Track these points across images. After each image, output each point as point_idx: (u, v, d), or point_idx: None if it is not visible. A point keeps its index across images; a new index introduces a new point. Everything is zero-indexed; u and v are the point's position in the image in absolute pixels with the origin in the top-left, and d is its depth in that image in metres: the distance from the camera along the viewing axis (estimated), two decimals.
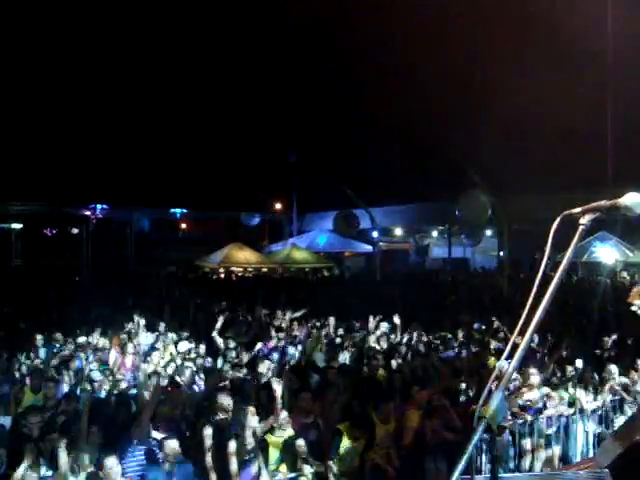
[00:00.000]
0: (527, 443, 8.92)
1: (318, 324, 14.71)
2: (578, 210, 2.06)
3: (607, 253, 26.43)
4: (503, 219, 29.05)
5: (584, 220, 2.03)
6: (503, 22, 21.87)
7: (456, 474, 1.85)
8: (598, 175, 21.42)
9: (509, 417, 8.50)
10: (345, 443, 7.74)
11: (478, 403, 1.93)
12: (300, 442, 7.40)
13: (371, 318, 13.63)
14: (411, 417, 8.27)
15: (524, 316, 1.97)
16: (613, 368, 10.00)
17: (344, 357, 12.04)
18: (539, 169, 24.94)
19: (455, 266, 35.38)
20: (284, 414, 7.74)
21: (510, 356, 1.92)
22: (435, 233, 38.54)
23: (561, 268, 2.01)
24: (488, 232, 34.31)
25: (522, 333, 1.94)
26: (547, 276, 2.01)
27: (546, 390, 9.31)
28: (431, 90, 25.14)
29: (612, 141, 23.45)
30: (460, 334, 13.92)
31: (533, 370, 9.37)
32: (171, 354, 11.86)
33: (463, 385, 9.87)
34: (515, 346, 1.94)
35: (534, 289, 2.01)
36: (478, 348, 12.44)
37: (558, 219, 2.09)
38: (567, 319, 15.61)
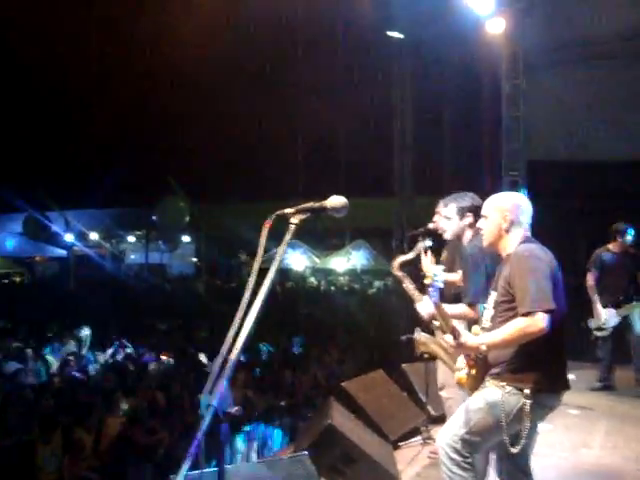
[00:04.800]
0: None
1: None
2: (291, 210, 2.20)
3: (297, 260, 28.25)
4: (201, 226, 29.54)
5: (295, 220, 2.17)
6: None
7: (184, 469, 1.78)
8: (289, 188, 22.84)
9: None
10: None
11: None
12: None
13: None
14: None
15: (241, 313, 2.00)
16: None
17: None
18: (234, 180, 26.10)
19: (152, 272, 34.92)
20: None
21: (230, 350, 1.95)
22: (132, 238, 37.70)
23: (274, 266, 2.10)
24: (186, 238, 34.42)
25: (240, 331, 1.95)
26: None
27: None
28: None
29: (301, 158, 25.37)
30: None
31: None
32: None
33: None
34: (234, 341, 1.96)
35: (249, 290, 2.05)
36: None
37: (271, 217, 2.19)
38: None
